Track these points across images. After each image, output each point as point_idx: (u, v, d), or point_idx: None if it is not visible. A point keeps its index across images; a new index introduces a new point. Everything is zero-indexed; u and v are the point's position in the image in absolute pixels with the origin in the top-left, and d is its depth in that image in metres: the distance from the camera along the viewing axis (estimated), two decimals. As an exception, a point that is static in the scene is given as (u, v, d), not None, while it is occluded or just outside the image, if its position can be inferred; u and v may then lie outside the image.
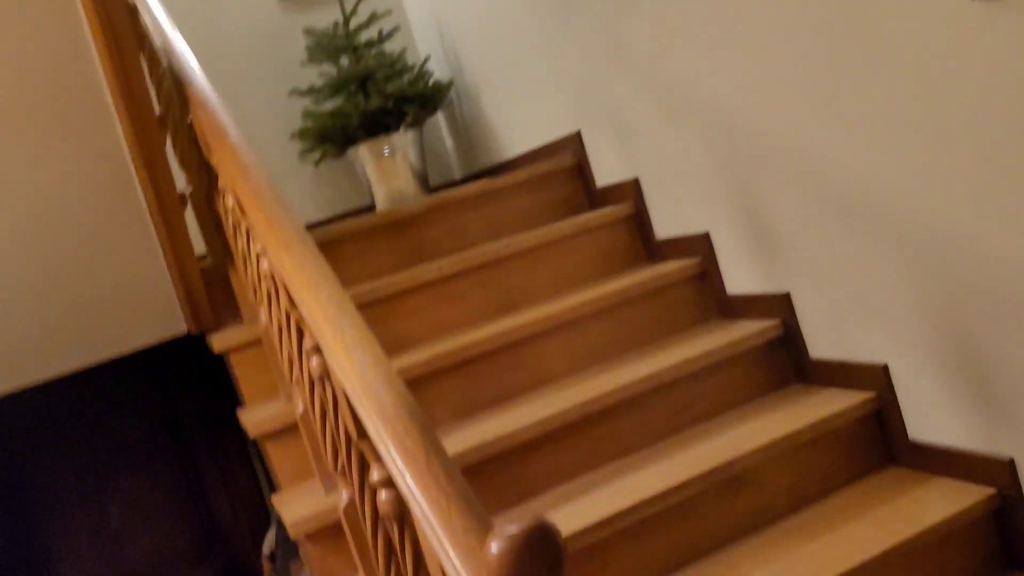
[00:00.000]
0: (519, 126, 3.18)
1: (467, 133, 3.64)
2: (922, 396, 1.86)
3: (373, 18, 3.37)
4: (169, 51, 2.05)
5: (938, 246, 1.70)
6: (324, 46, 3.33)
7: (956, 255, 1.67)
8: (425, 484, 1.00)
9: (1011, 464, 1.69)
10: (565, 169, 2.86)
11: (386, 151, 3.26)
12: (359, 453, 1.42)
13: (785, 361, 2.20)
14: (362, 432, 1.25)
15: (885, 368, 1.91)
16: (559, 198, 2.85)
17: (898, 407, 1.92)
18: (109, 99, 1.83)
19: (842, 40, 1.76)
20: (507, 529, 0.85)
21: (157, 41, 2.12)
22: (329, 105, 3.55)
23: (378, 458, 1.22)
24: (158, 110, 2.06)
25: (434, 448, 1.03)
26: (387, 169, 3.28)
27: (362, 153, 3.28)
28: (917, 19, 1.59)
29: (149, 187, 1.95)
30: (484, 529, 0.92)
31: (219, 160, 1.76)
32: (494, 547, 0.85)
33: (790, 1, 1.85)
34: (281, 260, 1.42)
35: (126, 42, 1.72)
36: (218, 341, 2.18)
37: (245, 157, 1.62)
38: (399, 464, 1.04)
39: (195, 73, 1.90)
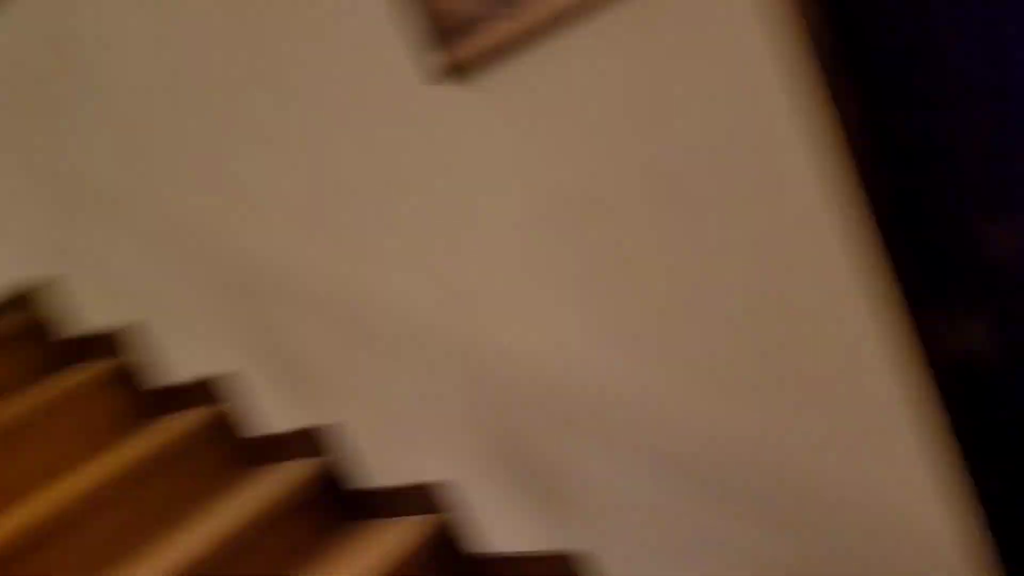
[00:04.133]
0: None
1: None
2: (484, 506, 1.80)
3: None
4: None
5: (471, 356, 1.66)
6: None
7: (489, 364, 1.64)
8: None
9: (573, 557, 1.69)
10: (19, 328, 2.31)
11: None
12: None
13: (332, 503, 1.99)
14: None
15: (442, 485, 1.82)
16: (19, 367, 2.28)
17: (463, 523, 1.83)
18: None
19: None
20: None
21: None
22: None
23: None
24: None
25: None
26: None
27: None
28: (370, 96, 1.53)
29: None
30: None
31: None
32: None
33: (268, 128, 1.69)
34: None
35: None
36: None
37: None
38: None
39: None
